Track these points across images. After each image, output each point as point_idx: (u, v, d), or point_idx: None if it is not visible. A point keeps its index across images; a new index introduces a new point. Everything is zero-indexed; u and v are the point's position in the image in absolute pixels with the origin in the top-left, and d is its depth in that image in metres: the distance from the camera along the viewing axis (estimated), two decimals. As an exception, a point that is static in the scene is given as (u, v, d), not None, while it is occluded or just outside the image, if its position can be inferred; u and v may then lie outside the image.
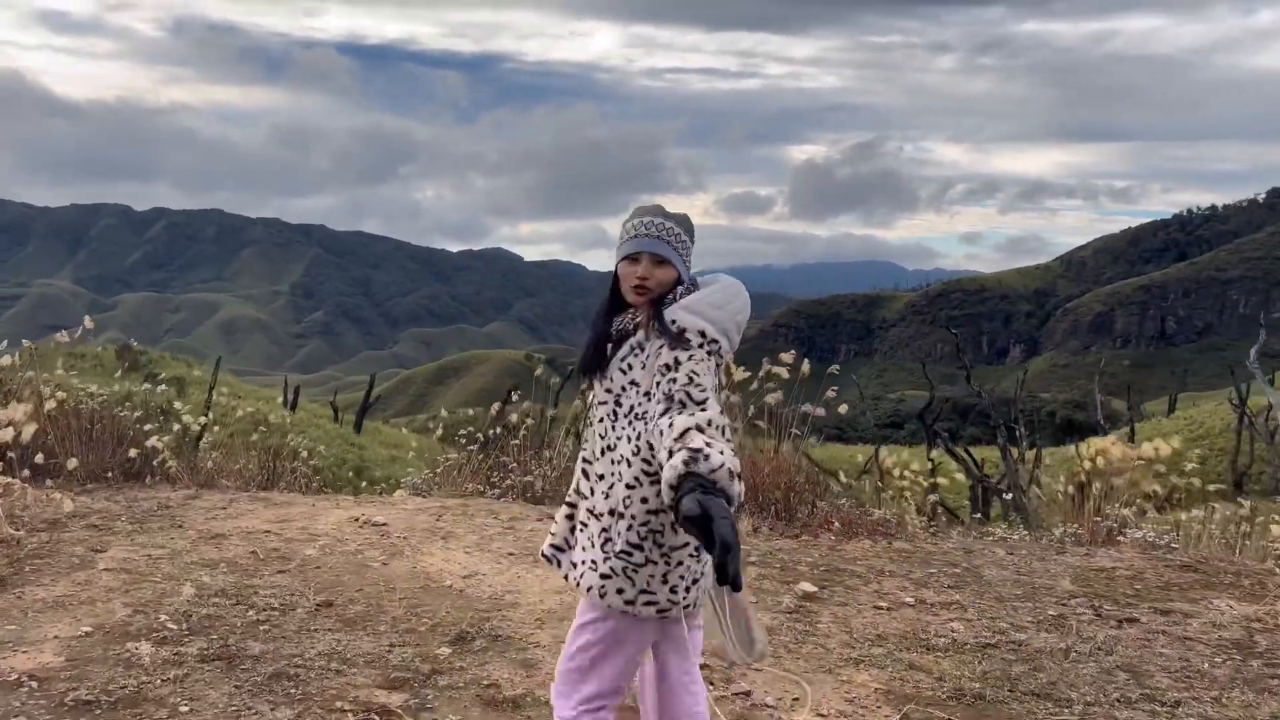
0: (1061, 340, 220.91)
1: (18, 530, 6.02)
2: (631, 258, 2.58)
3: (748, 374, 7.73)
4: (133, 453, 7.83)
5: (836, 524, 7.00)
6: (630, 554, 2.49)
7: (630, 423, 2.52)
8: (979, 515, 12.02)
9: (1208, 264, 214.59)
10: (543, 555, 2.80)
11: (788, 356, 7.61)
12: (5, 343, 8.64)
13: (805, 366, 7.71)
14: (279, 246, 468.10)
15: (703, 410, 2.32)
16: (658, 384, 2.42)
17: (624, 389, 2.53)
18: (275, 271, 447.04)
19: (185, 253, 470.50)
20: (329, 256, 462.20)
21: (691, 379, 2.38)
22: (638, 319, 2.58)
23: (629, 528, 2.50)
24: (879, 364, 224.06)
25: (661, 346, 2.45)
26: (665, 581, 2.50)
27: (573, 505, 2.73)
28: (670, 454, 2.19)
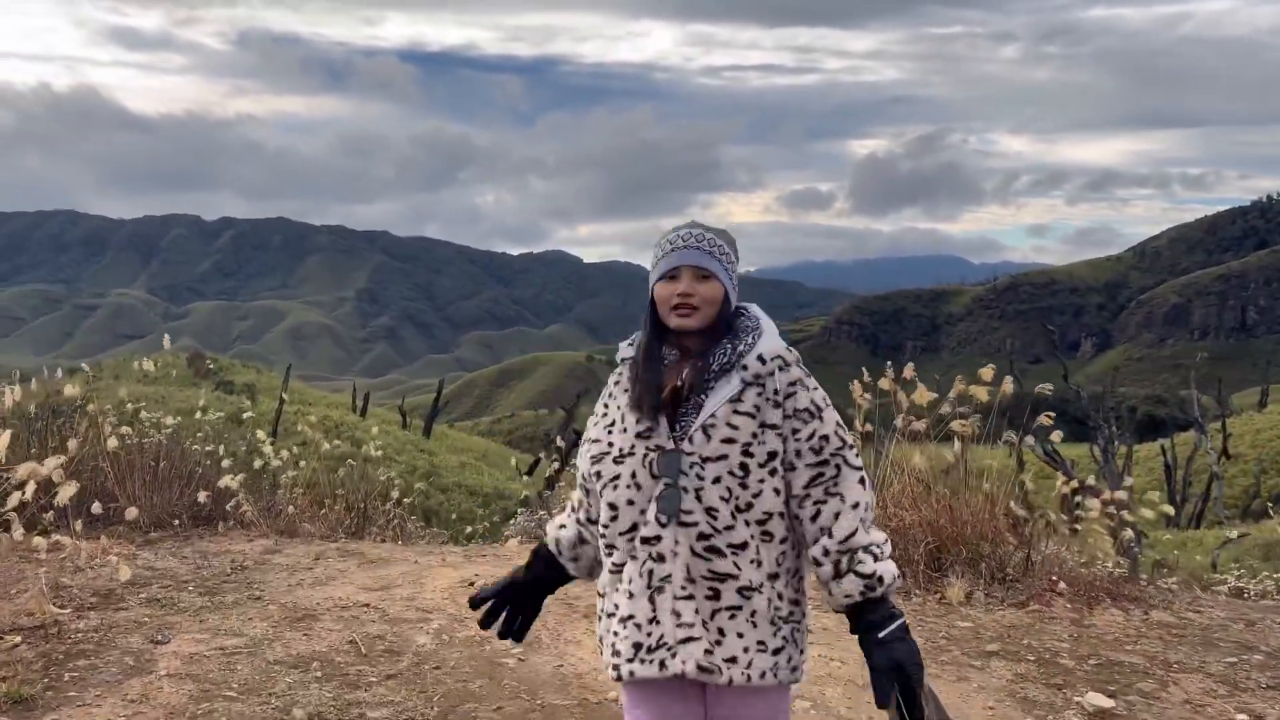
0: (1135, 333, 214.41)
1: (63, 608, 4.86)
2: (670, 276, 2.19)
3: (934, 396, 6.32)
4: (202, 496, 6.67)
5: (1062, 584, 5.57)
6: (793, 613, 2.16)
7: (770, 474, 2.10)
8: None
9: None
10: (699, 670, 2.08)
11: (987, 373, 6.14)
12: (59, 371, 7.56)
13: (1007, 385, 6.25)
14: (343, 253, 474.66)
15: (860, 485, 2.12)
16: (796, 435, 2.11)
17: (755, 436, 2.08)
18: (340, 278, 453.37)
19: (253, 261, 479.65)
20: (392, 262, 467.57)
21: (839, 432, 2.13)
22: (689, 349, 2.18)
23: (786, 584, 2.16)
24: (946, 360, 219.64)
25: (794, 384, 2.12)
26: (804, 637, 2.22)
27: (714, 592, 2.11)
28: (837, 566, 2.08)
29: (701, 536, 2.06)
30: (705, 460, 2.06)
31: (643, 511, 2.10)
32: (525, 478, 34.39)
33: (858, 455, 2.13)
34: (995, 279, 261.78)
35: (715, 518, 2.05)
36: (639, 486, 2.10)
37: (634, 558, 2.11)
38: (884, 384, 6.35)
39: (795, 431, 2.10)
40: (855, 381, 6.46)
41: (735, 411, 2.07)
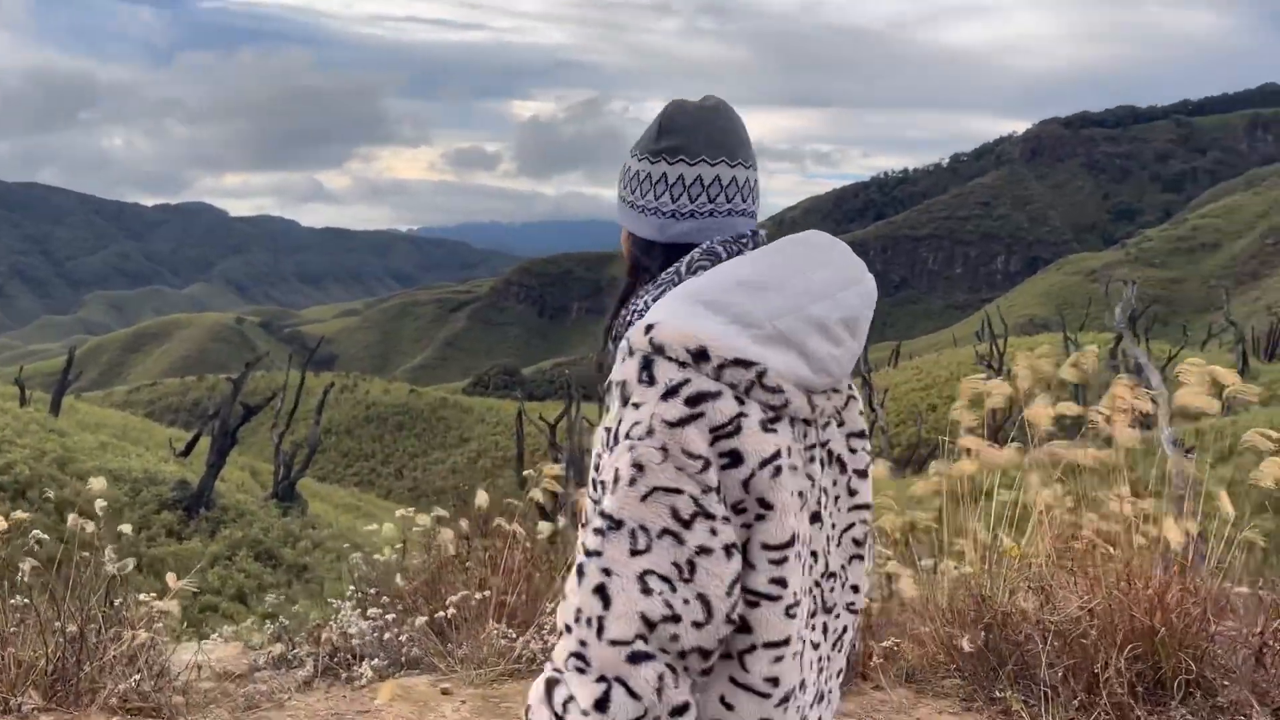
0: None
1: None
2: None
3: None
4: None
5: None
6: None
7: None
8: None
9: (902, 223, 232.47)
10: None
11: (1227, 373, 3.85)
12: None
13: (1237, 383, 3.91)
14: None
15: (576, 578, 1.34)
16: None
17: None
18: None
19: None
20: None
21: (609, 477, 1.35)
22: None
23: None
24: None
25: (619, 384, 1.38)
26: None
27: None
28: None
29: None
30: None
31: None
32: (182, 458, 30.13)
33: (608, 523, 1.31)
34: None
35: None
36: None
37: None
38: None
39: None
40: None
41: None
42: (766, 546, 1.34)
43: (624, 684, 1.27)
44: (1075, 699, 3.32)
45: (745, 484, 1.32)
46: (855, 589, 1.55)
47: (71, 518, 3.79)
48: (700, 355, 1.31)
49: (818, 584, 1.47)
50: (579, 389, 24.42)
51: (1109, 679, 3.26)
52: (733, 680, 1.36)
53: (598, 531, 1.32)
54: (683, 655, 1.30)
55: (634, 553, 1.30)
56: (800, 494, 1.38)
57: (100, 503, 3.91)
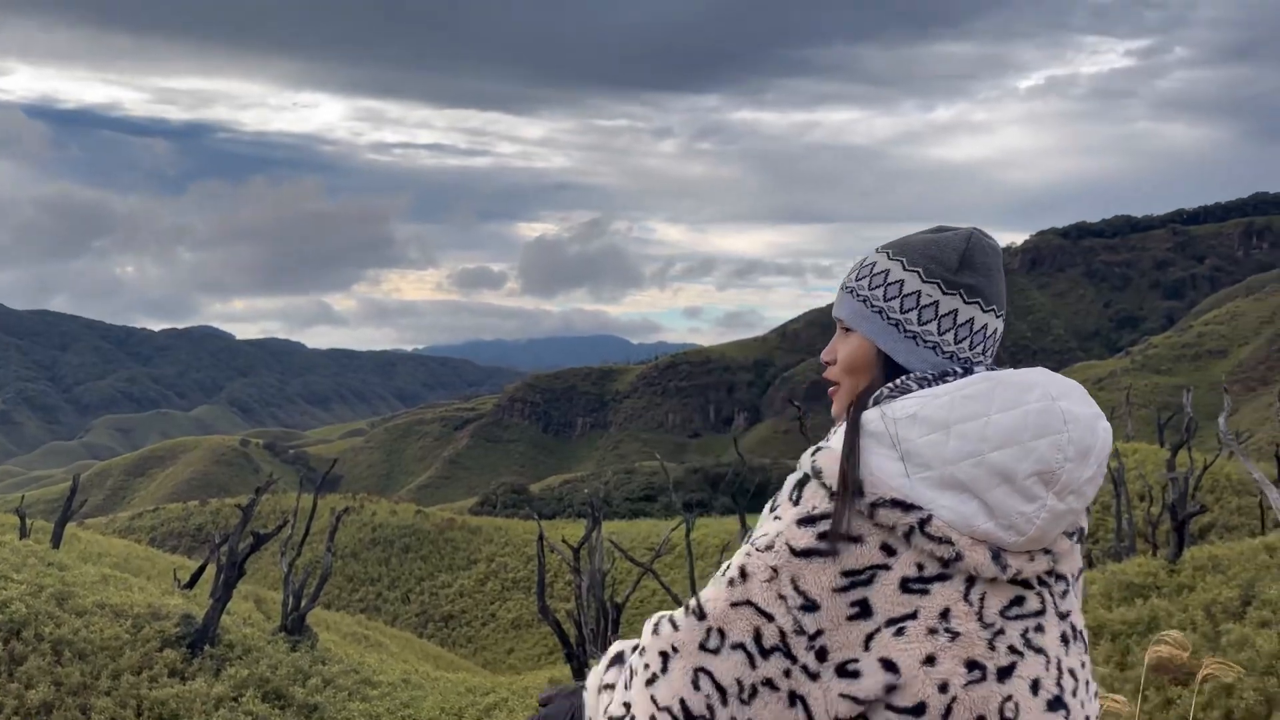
0: (781, 407, 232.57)
1: None
2: None
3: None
4: None
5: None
6: None
7: None
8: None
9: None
10: None
11: None
12: None
13: None
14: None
15: (642, 689, 1.38)
16: None
17: None
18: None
19: None
20: (5, 338, 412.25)
21: (716, 580, 1.37)
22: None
23: None
24: (615, 435, 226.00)
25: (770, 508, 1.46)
26: None
27: None
28: None
29: None
30: None
31: None
32: (187, 590, 29.04)
33: (695, 609, 1.34)
34: (656, 358, 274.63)
35: None
36: None
37: None
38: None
39: None
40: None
41: None
42: (891, 709, 1.24)
43: None
44: None
45: (867, 641, 1.24)
46: None
47: None
48: (856, 490, 1.26)
49: None
50: (600, 508, 23.57)
51: None
52: None
53: (687, 610, 1.34)
54: None
55: (702, 647, 1.30)
56: (975, 664, 1.23)
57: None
